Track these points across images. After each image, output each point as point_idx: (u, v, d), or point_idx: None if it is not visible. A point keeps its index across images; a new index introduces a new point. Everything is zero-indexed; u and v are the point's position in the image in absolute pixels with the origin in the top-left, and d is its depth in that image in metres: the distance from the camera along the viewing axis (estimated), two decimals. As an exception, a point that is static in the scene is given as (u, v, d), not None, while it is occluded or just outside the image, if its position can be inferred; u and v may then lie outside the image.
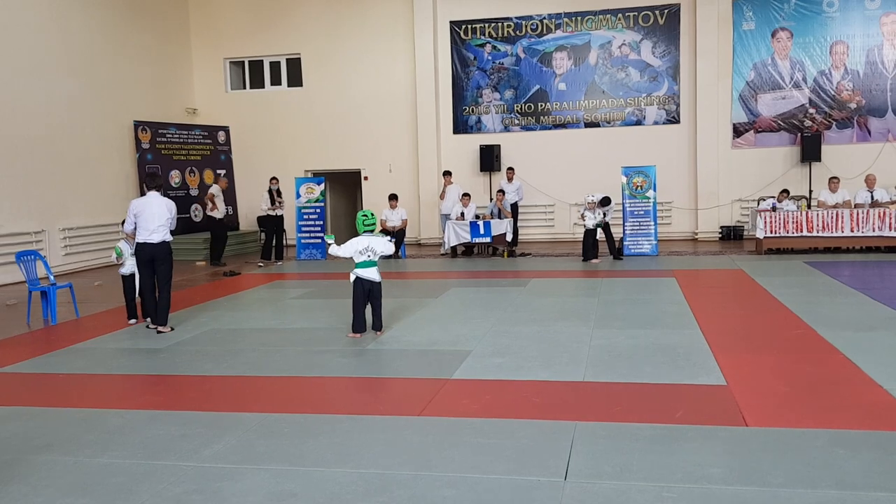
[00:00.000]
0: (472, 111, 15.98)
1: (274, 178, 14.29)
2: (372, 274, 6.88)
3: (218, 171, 16.16)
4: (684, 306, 7.85)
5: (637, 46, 15.18)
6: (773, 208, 12.42)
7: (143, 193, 7.56)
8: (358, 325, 6.92)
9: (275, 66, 16.96)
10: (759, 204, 13.35)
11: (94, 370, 6.13)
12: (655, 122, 15.25)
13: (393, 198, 14.00)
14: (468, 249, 13.76)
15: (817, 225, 11.99)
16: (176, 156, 15.38)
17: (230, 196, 15.56)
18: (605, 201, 12.06)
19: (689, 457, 3.76)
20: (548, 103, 15.63)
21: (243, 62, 17.11)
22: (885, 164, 13.94)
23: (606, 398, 4.85)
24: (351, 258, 6.93)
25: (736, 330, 6.75)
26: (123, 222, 7.59)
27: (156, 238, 7.35)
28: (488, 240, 13.12)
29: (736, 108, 14.88)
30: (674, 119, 15.17)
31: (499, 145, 15.51)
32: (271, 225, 13.94)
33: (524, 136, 15.76)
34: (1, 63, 11.69)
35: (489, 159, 15.26)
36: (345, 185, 17.52)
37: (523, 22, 15.59)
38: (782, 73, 14.64)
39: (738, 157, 14.90)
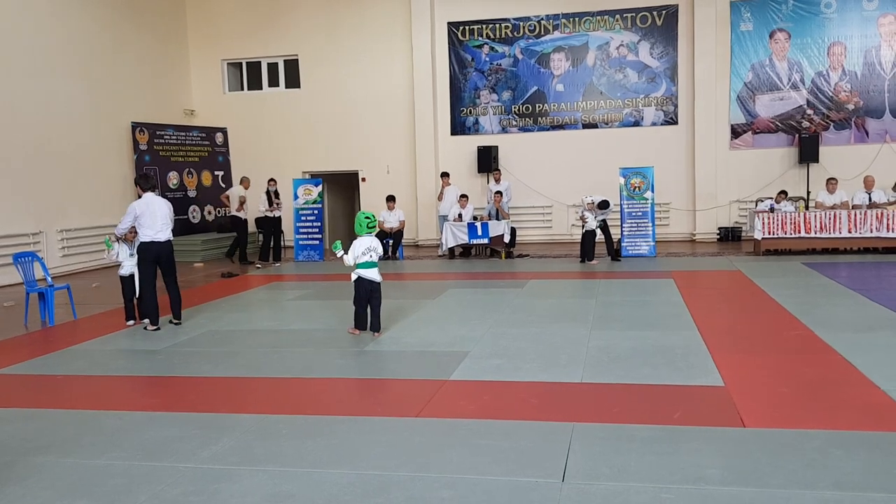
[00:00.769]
0: (470, 112, 15.98)
1: (272, 179, 14.29)
2: (374, 274, 6.93)
3: (216, 173, 16.17)
4: (682, 307, 7.85)
5: (635, 47, 15.19)
6: (771, 209, 12.43)
7: (137, 196, 7.68)
8: (360, 322, 6.98)
9: (272, 68, 16.95)
10: (757, 205, 13.35)
11: (91, 372, 6.12)
12: (653, 123, 15.26)
13: (390, 199, 14.02)
14: (466, 251, 13.75)
15: (815, 226, 12.01)
16: (174, 157, 15.37)
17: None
18: (604, 205, 11.93)
19: (686, 458, 3.76)
20: (545, 104, 15.63)
21: (241, 63, 17.10)
22: (883, 166, 13.94)
23: (604, 399, 4.85)
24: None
25: (734, 331, 6.76)
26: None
27: (162, 236, 7.58)
28: (486, 241, 13.12)
29: (734, 109, 14.89)
30: (672, 120, 15.18)
31: (496, 146, 15.50)
32: (269, 226, 13.94)
33: (522, 138, 15.76)
34: (-2, 64, 11.70)
35: (487, 161, 15.25)
36: (342, 187, 17.52)
37: (521, 23, 15.60)
38: (780, 74, 14.65)
39: (735, 158, 14.91)
